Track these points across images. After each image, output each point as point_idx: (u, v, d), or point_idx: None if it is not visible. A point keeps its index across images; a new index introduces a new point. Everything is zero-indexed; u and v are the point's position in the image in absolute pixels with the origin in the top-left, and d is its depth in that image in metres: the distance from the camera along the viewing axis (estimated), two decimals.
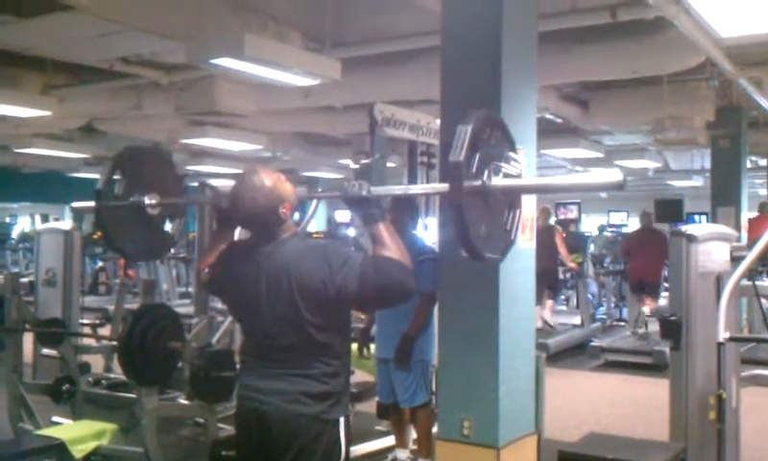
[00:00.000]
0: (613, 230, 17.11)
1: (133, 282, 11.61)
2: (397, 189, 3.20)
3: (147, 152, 3.73)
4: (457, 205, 2.41)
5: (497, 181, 2.56)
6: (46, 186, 16.76)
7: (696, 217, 13.70)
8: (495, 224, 2.64)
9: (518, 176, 2.67)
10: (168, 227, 3.52)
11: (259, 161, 11.73)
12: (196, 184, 12.30)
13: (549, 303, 10.66)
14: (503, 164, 2.59)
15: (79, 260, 7.03)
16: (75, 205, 4.04)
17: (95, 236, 16.18)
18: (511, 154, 2.69)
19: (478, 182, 2.48)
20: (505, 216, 2.73)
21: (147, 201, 3.32)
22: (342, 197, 2.68)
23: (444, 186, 2.49)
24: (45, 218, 19.35)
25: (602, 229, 16.85)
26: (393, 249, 2.64)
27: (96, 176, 15.65)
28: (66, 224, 8.46)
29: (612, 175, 2.48)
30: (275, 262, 2.71)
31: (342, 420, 2.76)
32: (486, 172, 2.52)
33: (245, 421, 2.81)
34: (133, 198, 3.30)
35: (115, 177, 3.30)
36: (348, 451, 2.78)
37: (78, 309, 6.88)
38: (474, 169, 2.47)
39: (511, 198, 2.75)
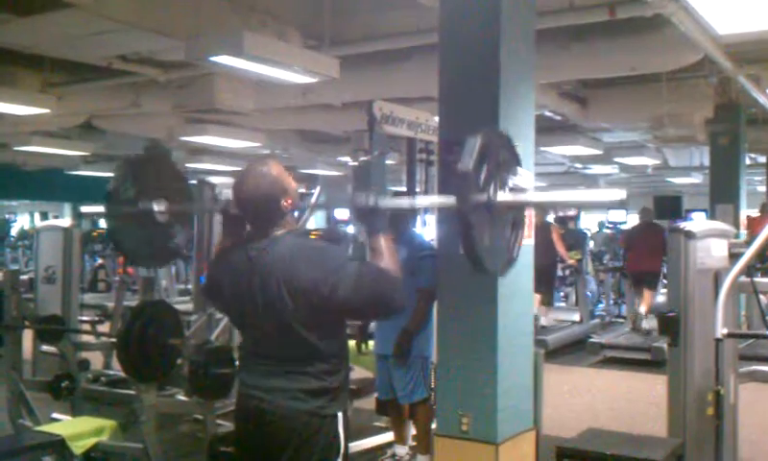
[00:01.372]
0: (612, 226, 17.13)
1: (132, 279, 11.61)
2: (405, 202, 3.19)
3: (156, 158, 3.75)
4: (465, 217, 2.42)
5: (503, 195, 2.57)
6: (45, 184, 16.75)
7: (694, 214, 13.72)
8: (498, 237, 2.65)
9: (523, 191, 2.69)
10: (178, 236, 3.54)
11: (262, 157, 11.77)
12: (195, 182, 12.30)
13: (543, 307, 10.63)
14: (510, 177, 2.61)
15: (78, 258, 7.04)
16: (84, 209, 4.06)
17: (94, 234, 16.22)
18: (517, 169, 2.70)
19: (484, 196, 2.49)
20: (508, 234, 2.74)
21: (156, 207, 3.33)
22: (350, 207, 2.69)
23: (451, 200, 2.49)
24: (44, 216, 19.41)
25: (601, 225, 16.88)
26: (390, 264, 2.65)
27: (95, 173, 15.65)
28: (66, 221, 8.47)
29: (614, 194, 2.50)
30: (268, 259, 2.70)
31: (340, 415, 2.76)
32: (492, 186, 2.53)
33: (244, 417, 2.81)
34: (142, 204, 3.32)
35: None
36: (346, 447, 2.78)
37: (77, 306, 6.89)
38: (481, 182, 2.48)
39: (515, 215, 2.76)
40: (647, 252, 9.90)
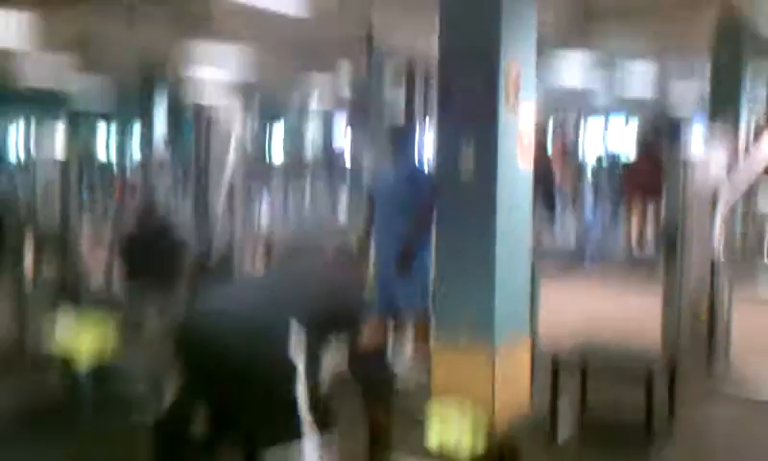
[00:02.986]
0: (612, 157, 17.00)
1: (131, 197, 11.55)
2: None
3: None
4: None
5: None
6: (38, 102, 16.63)
7: (694, 129, 13.61)
8: None
9: None
10: None
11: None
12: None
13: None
14: None
15: (76, 184, 7.01)
16: None
17: (91, 163, 16.13)
18: None
19: None
20: None
21: None
22: None
23: None
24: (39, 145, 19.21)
25: (600, 160, 16.76)
26: None
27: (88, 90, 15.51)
28: (61, 138, 8.40)
29: None
30: None
31: None
32: None
33: None
34: None
35: None
36: None
37: (77, 222, 6.90)
38: None
39: None
40: (648, 172, 9.91)
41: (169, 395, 3.68)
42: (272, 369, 2.51)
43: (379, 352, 2.82)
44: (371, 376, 2.81)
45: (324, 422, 2.57)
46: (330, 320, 2.69)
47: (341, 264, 3.54)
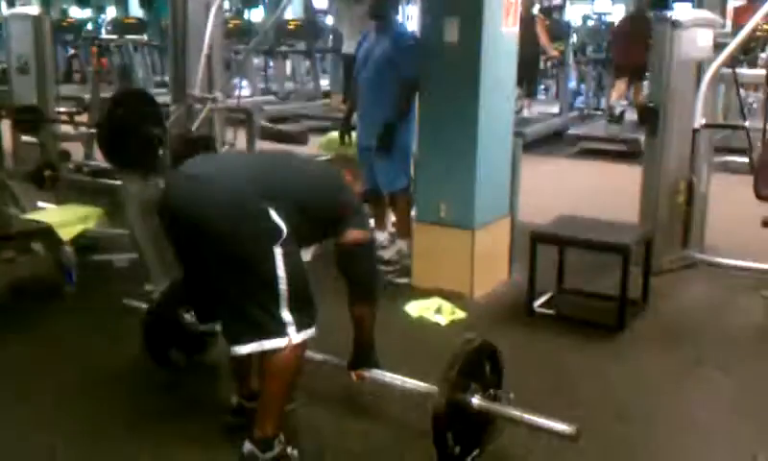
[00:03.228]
0: (597, 17, 16.72)
1: (107, 70, 11.35)
2: None
3: None
4: None
5: None
6: None
7: (680, 3, 13.37)
8: None
9: None
10: None
11: None
12: None
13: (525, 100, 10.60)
14: None
15: (51, 47, 6.82)
16: None
17: (64, 23, 15.65)
18: None
19: None
20: None
21: None
22: None
23: None
24: (11, 3, 18.54)
25: (585, 18, 16.47)
26: None
27: None
28: (34, 9, 8.14)
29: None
30: None
31: None
32: None
33: None
34: None
35: None
36: None
37: (54, 97, 6.77)
38: None
39: None
40: (634, 44, 9.72)
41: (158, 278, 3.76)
42: (250, 245, 2.50)
43: (367, 247, 2.81)
44: (357, 273, 2.80)
45: (304, 315, 2.57)
46: (312, 215, 2.66)
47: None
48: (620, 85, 10.05)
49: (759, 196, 4.33)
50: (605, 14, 16.33)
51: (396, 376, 2.96)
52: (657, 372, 3.62)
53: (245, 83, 11.47)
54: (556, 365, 3.65)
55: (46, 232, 4.38)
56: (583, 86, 12.67)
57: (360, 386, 3.09)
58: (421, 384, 2.85)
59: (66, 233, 4.39)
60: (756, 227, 4.35)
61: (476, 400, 2.65)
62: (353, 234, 2.73)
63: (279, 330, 2.50)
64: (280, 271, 2.48)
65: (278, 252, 2.48)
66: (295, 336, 2.52)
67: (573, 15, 18.72)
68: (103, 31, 15.35)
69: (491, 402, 2.68)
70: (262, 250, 2.48)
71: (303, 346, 2.59)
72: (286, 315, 2.51)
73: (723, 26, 5.78)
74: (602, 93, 12.04)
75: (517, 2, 4.49)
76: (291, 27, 13.12)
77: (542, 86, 13.84)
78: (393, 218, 5.30)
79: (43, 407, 3.18)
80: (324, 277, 2.92)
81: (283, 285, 2.49)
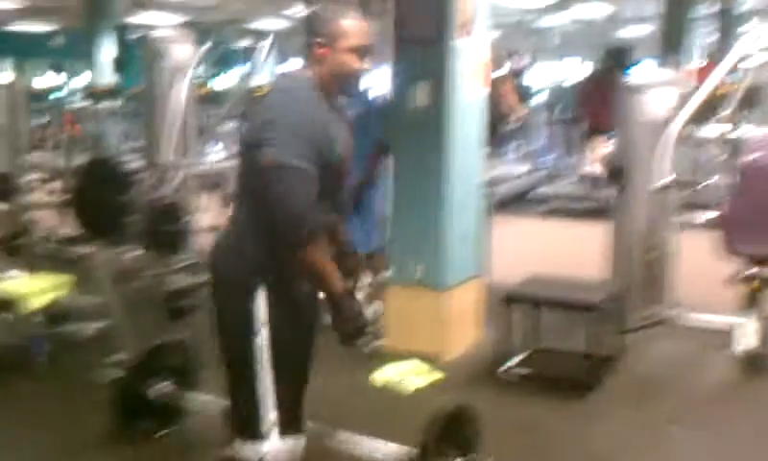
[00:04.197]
0: (563, 82, 17.09)
1: (80, 138, 11.32)
2: None
3: None
4: None
5: None
6: None
7: (644, 63, 13.69)
8: None
9: None
10: None
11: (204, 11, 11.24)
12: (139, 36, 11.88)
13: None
14: None
15: (25, 114, 6.83)
16: None
17: (40, 90, 15.67)
18: None
19: None
20: None
21: None
22: None
23: None
24: None
25: (553, 85, 16.86)
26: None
27: (33, 29, 14.99)
28: (8, 77, 8.16)
29: None
30: None
31: None
32: None
33: None
34: None
35: None
36: None
37: (26, 165, 6.74)
38: None
39: None
40: (603, 105, 9.87)
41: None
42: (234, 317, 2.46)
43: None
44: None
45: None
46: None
47: None
48: (596, 145, 10.16)
49: (731, 252, 4.39)
50: (569, 81, 16.67)
51: (372, 439, 2.93)
52: (629, 430, 3.62)
53: (219, 146, 11.49)
54: (531, 426, 3.63)
55: (17, 302, 4.32)
56: (552, 144, 12.83)
57: (337, 454, 3.04)
58: (400, 448, 2.82)
59: (37, 302, 4.34)
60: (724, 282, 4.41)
61: None
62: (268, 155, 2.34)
63: None
64: None
65: None
66: None
67: (542, 75, 19.16)
68: (77, 96, 15.40)
69: None
70: None
71: None
72: None
73: (688, 86, 5.91)
74: (571, 152, 12.20)
75: (488, 66, 4.60)
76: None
77: (512, 145, 14.03)
78: (367, 280, 5.30)
79: None
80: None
81: None
